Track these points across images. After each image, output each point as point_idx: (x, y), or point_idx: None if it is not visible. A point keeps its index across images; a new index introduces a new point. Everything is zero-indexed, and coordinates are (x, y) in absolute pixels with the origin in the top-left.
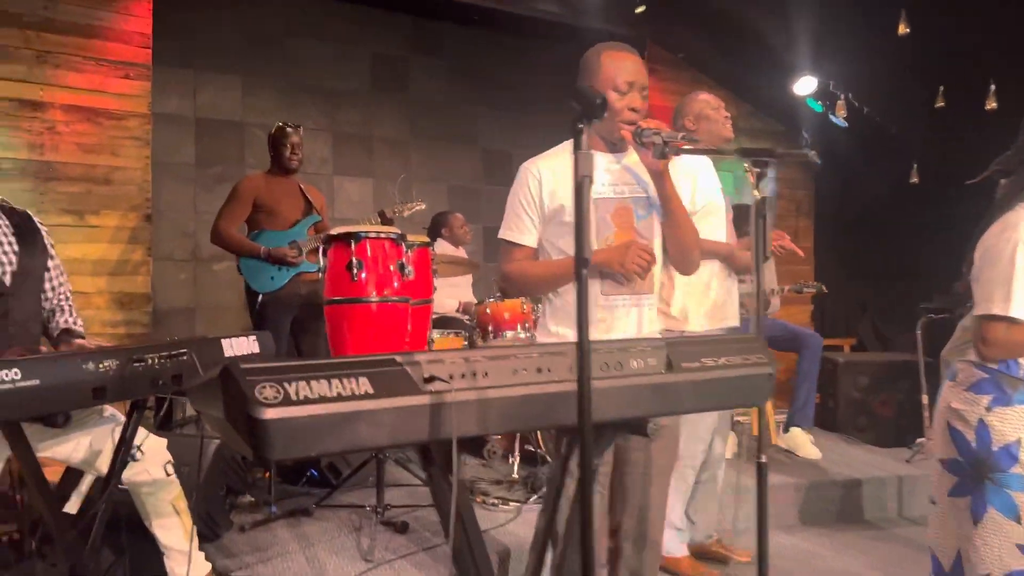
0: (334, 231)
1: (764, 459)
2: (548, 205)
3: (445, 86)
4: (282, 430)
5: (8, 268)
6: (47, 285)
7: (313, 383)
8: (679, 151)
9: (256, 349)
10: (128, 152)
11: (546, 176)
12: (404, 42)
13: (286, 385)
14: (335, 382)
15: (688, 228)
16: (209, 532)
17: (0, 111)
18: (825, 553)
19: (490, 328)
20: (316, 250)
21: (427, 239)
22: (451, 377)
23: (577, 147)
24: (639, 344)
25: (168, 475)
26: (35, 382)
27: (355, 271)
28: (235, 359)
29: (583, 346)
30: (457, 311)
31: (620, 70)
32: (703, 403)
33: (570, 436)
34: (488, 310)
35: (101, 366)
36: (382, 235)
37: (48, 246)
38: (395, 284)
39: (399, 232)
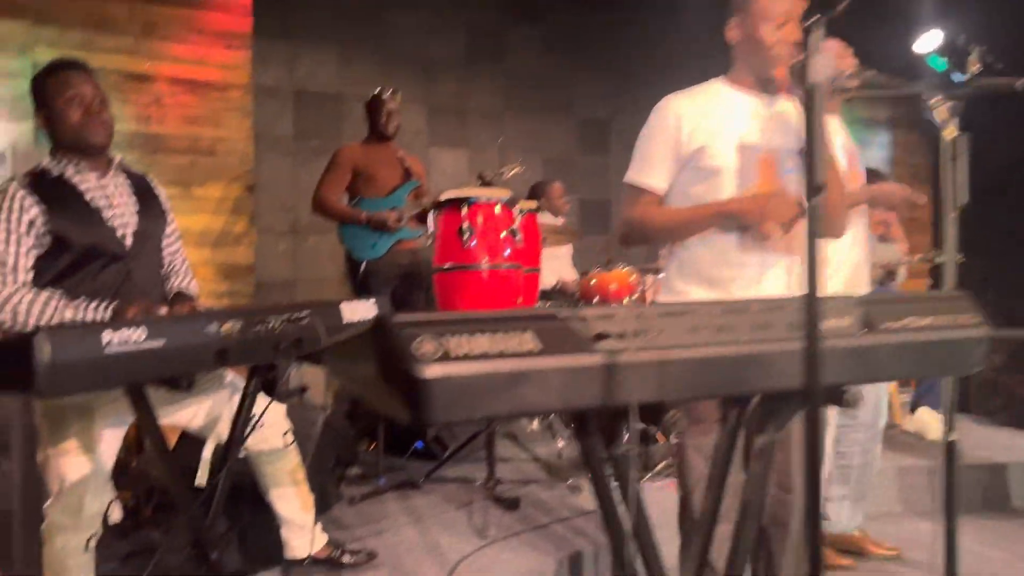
0: (444, 195)
1: (955, 437)
2: (687, 146)
3: (541, 55)
4: (444, 390)
5: (129, 229)
6: (165, 248)
7: (474, 337)
8: (849, 91)
9: (373, 313)
10: (230, 123)
11: (688, 114)
12: (500, 11)
13: (445, 340)
14: (498, 336)
15: (838, 188)
16: (320, 504)
17: (109, 84)
18: (968, 543)
19: (596, 301)
20: (416, 216)
21: (535, 204)
22: (622, 335)
23: (811, 46)
24: (831, 301)
25: (287, 444)
26: (160, 343)
27: (466, 237)
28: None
29: (812, 296)
30: (555, 288)
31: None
32: (907, 369)
33: (741, 406)
34: (593, 281)
35: (224, 328)
36: (493, 199)
37: (166, 209)
38: (506, 251)
39: (510, 195)
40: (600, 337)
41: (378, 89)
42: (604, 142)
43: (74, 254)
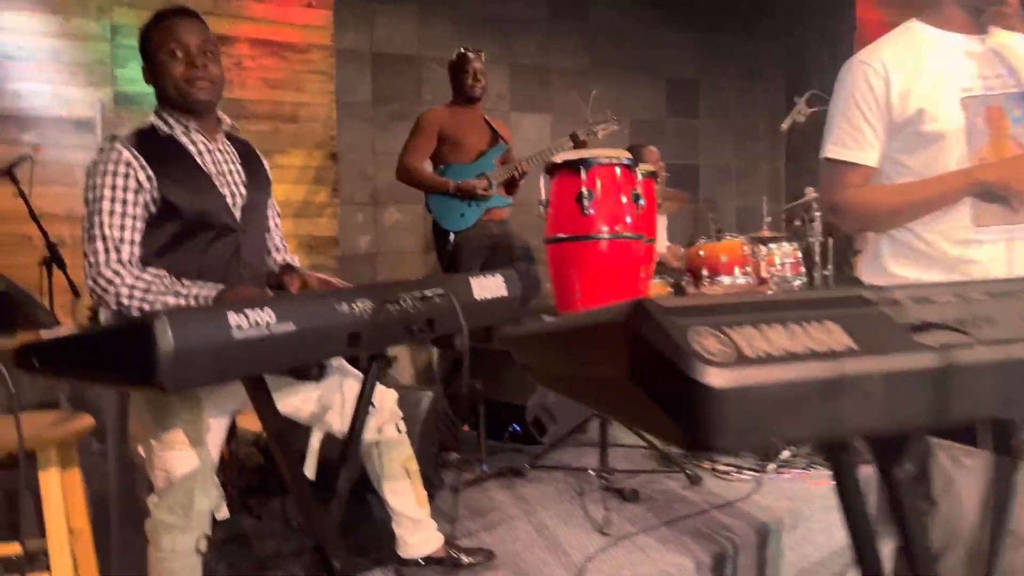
0: (560, 157)
1: None
2: (900, 111)
3: (626, 10)
4: (739, 404)
5: (239, 201)
6: (270, 221)
7: (768, 330)
8: None
9: (504, 292)
10: (312, 87)
11: (896, 71)
12: None
13: (732, 333)
14: (798, 329)
15: None
16: None
17: None
18: None
19: (704, 272)
20: (506, 182)
21: (652, 168)
22: (959, 324)
23: None
24: None
25: (400, 432)
26: (289, 327)
27: (585, 203)
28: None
29: None
30: (656, 260)
31: None
32: None
33: None
34: (702, 252)
35: (355, 307)
36: (614, 160)
37: (267, 167)
38: (627, 218)
39: (630, 157)
40: (922, 328)
41: (462, 48)
42: (693, 103)
43: (183, 223)
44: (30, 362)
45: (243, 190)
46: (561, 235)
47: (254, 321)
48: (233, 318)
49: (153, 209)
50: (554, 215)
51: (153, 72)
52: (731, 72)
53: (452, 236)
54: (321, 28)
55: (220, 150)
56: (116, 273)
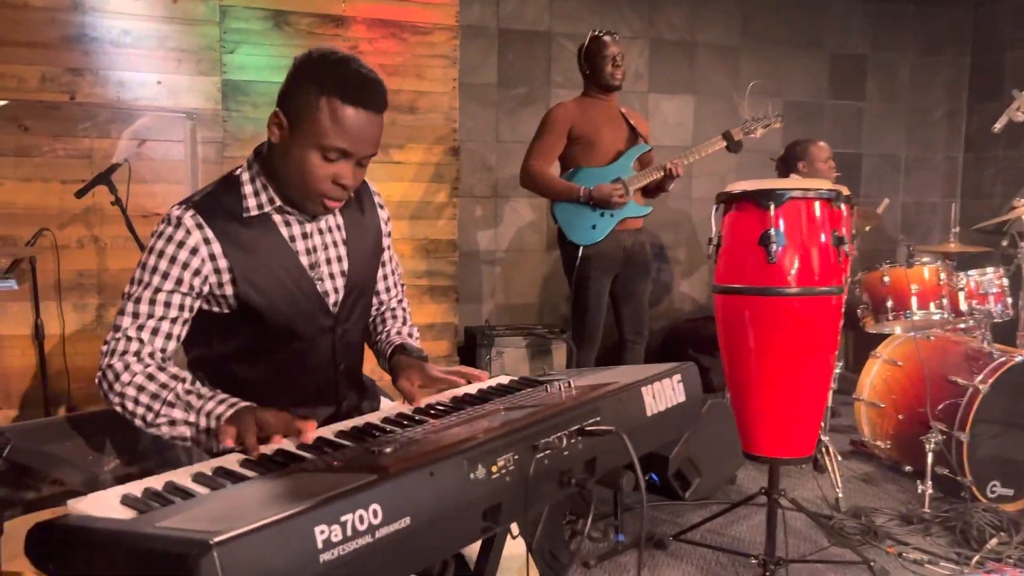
0: (739, 187)
1: None
2: None
3: None
4: None
5: (340, 291)
6: (381, 282)
7: None
8: None
9: (682, 397)
10: (434, 73)
11: None
12: None
13: None
14: None
15: None
16: (550, 572)
17: (301, 30)
18: None
19: (889, 304)
20: (646, 188)
21: (846, 192)
22: None
23: None
24: None
25: (513, 536)
26: (403, 523)
27: (773, 247)
28: None
29: None
30: None
31: None
32: None
33: None
34: (886, 279)
35: (495, 469)
36: (812, 194)
37: (383, 219)
38: (825, 268)
39: (835, 189)
40: None
41: (596, 30)
42: (859, 82)
43: (262, 331)
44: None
45: (344, 264)
46: (736, 285)
47: (353, 528)
48: (320, 532)
49: (221, 308)
50: (728, 258)
51: (283, 134)
52: (906, 47)
53: (581, 250)
54: (445, 6)
55: (321, 230)
56: (126, 367)
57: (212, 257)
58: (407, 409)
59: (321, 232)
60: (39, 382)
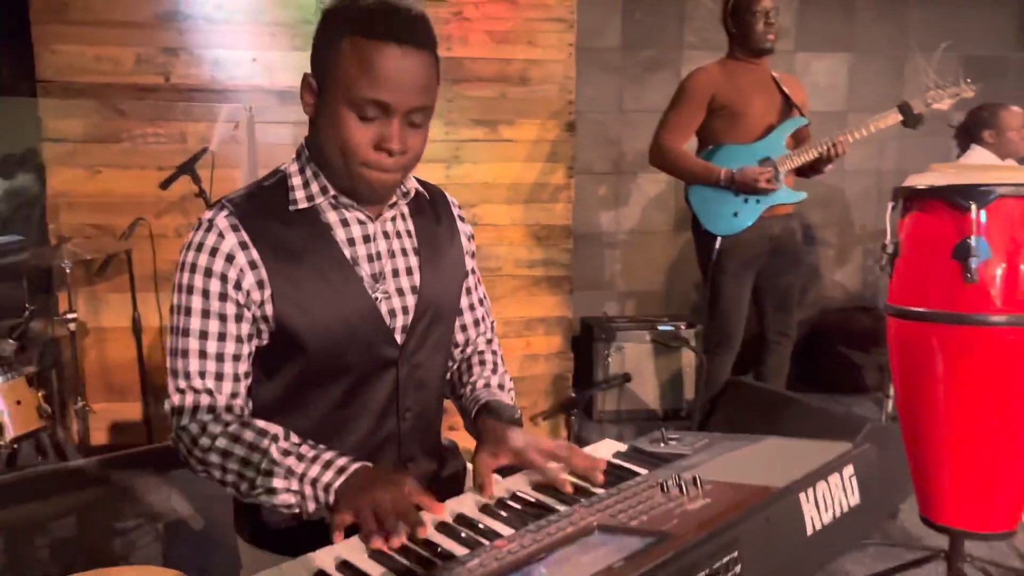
0: (927, 179)
1: None
2: None
3: None
4: None
5: (407, 284)
6: (467, 314)
7: None
8: None
9: (856, 497)
10: (547, 40)
11: None
12: None
13: None
14: None
15: None
16: None
17: None
18: None
19: None
20: (807, 169)
21: None
22: None
23: None
24: None
25: None
26: None
27: (973, 262)
28: None
29: None
30: None
31: None
32: None
33: None
34: None
35: None
36: None
37: (466, 235)
38: None
39: None
40: None
41: None
42: None
43: (306, 365)
44: None
45: (417, 285)
46: (920, 309)
47: None
48: None
49: (261, 338)
50: (909, 273)
51: (316, 101)
52: None
53: (719, 241)
54: None
55: (387, 233)
56: (203, 429)
57: (252, 265)
58: (471, 506)
59: (387, 236)
60: (138, 375)
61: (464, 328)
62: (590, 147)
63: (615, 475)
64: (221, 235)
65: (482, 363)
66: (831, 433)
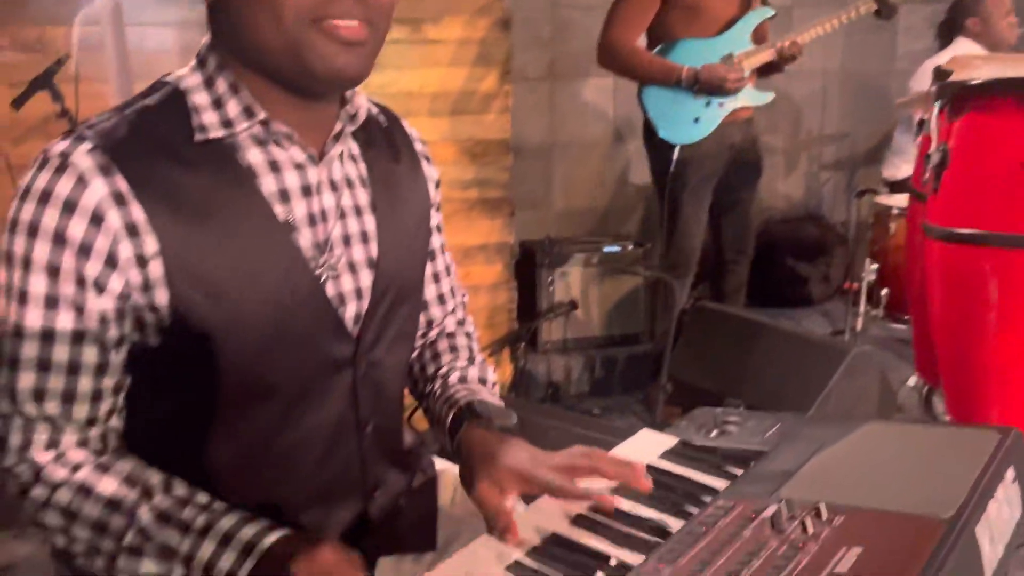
0: (985, 72)
1: None
2: None
3: None
4: None
5: (362, 256)
6: (431, 286)
7: None
8: None
9: (1018, 508)
10: None
11: None
12: None
13: None
14: None
15: None
16: None
17: None
18: None
19: None
20: (765, 68)
21: None
22: None
23: None
24: None
25: None
26: None
27: None
28: None
29: None
30: None
31: None
32: None
33: None
34: None
35: None
36: None
37: (432, 181)
38: None
39: None
40: None
41: None
42: None
43: (219, 381)
44: None
45: (375, 256)
46: (978, 231)
47: None
48: None
49: (147, 336)
50: (964, 189)
51: None
52: None
53: (677, 150)
54: None
55: (334, 183)
56: (36, 475)
57: (132, 230)
58: (493, 557)
59: (335, 188)
60: None
61: (426, 306)
62: (520, 51)
63: (676, 495)
64: (82, 180)
65: (453, 349)
66: (812, 363)
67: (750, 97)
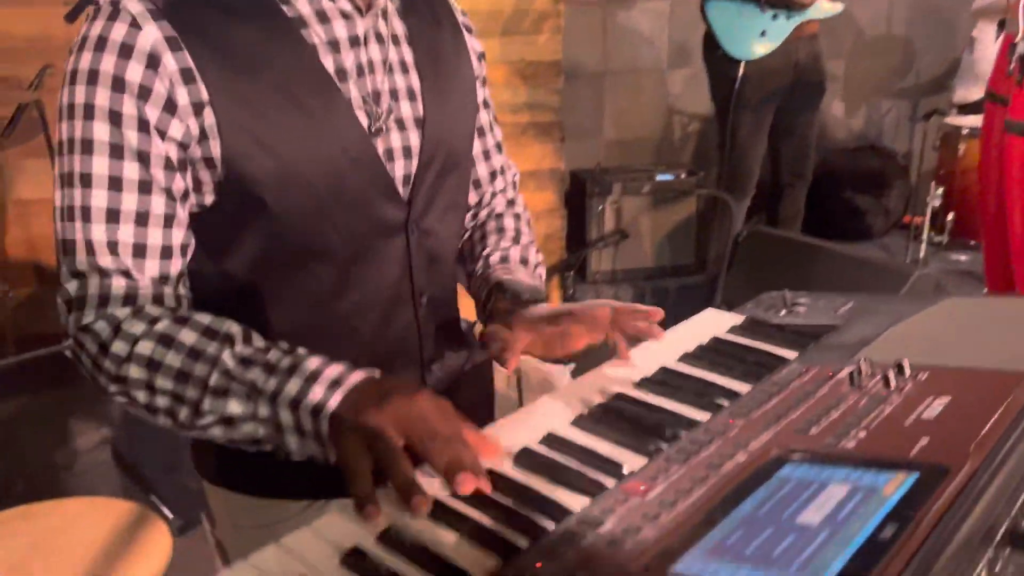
0: None
1: None
2: None
3: None
4: None
5: (410, 113)
6: (481, 164)
7: None
8: None
9: None
10: None
11: None
12: None
13: None
14: None
15: None
16: None
17: None
18: None
19: None
20: None
21: None
22: None
23: None
24: None
25: None
26: None
27: None
28: None
29: None
30: None
31: None
32: None
33: None
34: None
35: None
36: None
37: (476, 53)
38: None
39: None
40: None
41: None
42: None
43: (269, 240)
44: None
45: (422, 115)
46: None
47: None
48: None
49: (202, 194)
50: None
51: None
52: None
53: (742, 67)
54: None
55: (380, 35)
56: (117, 330)
57: (187, 76)
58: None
59: (381, 39)
60: None
61: (478, 184)
62: None
63: (746, 364)
64: (136, 23)
65: (500, 230)
66: (874, 288)
67: (822, 9)
